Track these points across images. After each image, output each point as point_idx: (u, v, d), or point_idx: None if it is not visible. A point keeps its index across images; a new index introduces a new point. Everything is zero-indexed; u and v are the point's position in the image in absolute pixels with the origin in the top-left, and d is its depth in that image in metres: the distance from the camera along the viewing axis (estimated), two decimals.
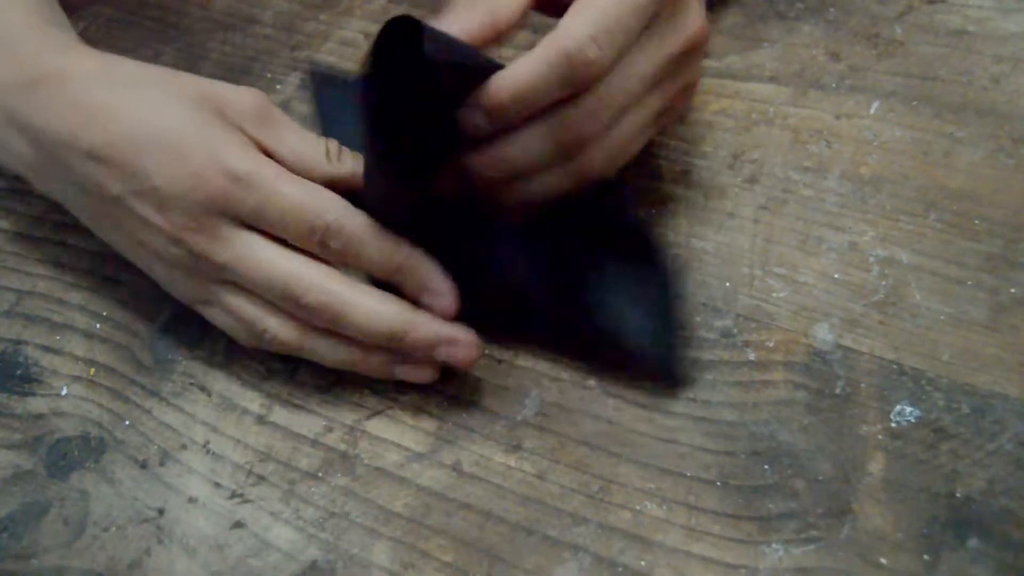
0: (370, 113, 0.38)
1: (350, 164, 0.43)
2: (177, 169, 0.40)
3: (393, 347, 0.41)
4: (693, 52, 0.41)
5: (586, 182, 0.41)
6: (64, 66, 0.43)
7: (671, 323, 0.42)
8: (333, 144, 0.43)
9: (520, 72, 0.38)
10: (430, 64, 0.36)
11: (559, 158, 0.40)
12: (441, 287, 0.41)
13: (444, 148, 0.41)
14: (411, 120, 0.39)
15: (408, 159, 0.40)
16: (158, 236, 0.41)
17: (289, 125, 0.43)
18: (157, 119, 0.41)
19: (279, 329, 0.42)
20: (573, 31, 0.37)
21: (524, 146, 0.40)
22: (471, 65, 0.39)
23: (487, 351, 0.44)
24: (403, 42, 0.37)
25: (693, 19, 0.41)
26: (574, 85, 0.38)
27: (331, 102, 0.52)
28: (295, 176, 0.41)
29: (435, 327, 0.41)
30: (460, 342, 0.41)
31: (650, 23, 0.39)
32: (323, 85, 0.54)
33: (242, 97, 0.42)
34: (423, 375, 0.42)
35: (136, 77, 0.43)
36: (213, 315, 0.43)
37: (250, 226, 0.41)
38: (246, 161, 0.40)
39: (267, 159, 0.41)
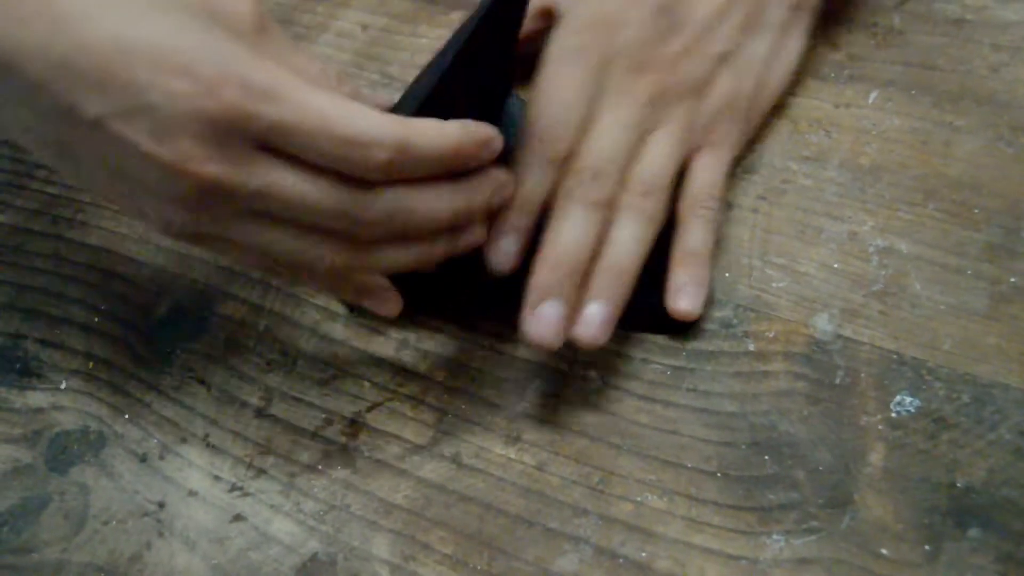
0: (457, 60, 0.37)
1: (347, 89, 0.40)
2: (177, 83, 0.32)
3: (460, 222, 0.39)
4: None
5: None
6: None
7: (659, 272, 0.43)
8: (330, 67, 0.39)
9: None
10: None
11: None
12: (491, 132, 0.38)
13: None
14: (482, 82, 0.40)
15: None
16: (153, 168, 0.34)
17: (288, 41, 0.37)
18: (147, 22, 0.33)
19: (335, 255, 0.37)
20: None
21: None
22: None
23: (487, 342, 0.44)
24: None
25: None
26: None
27: None
28: (319, 87, 0.35)
29: (490, 173, 0.39)
30: (507, 180, 0.40)
31: None
32: None
33: (240, 5, 0.35)
34: (481, 234, 0.40)
35: None
36: (228, 252, 0.38)
37: (268, 148, 0.34)
38: (264, 69, 0.33)
39: (283, 68, 0.34)
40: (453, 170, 0.37)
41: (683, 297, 0.42)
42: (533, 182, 0.42)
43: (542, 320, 0.39)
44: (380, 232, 0.37)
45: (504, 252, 0.42)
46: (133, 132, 0.33)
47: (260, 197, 0.34)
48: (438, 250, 0.39)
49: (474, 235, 0.40)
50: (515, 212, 0.42)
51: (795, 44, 0.48)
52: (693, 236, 0.44)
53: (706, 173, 0.45)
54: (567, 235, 0.41)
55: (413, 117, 0.36)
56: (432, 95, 0.37)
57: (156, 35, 0.33)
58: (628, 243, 0.42)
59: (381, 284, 0.41)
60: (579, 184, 0.42)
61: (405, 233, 0.38)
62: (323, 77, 0.38)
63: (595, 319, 0.40)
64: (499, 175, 0.40)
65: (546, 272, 0.40)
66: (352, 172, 0.35)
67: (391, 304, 0.41)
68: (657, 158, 0.43)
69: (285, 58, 0.36)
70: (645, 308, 0.42)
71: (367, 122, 0.34)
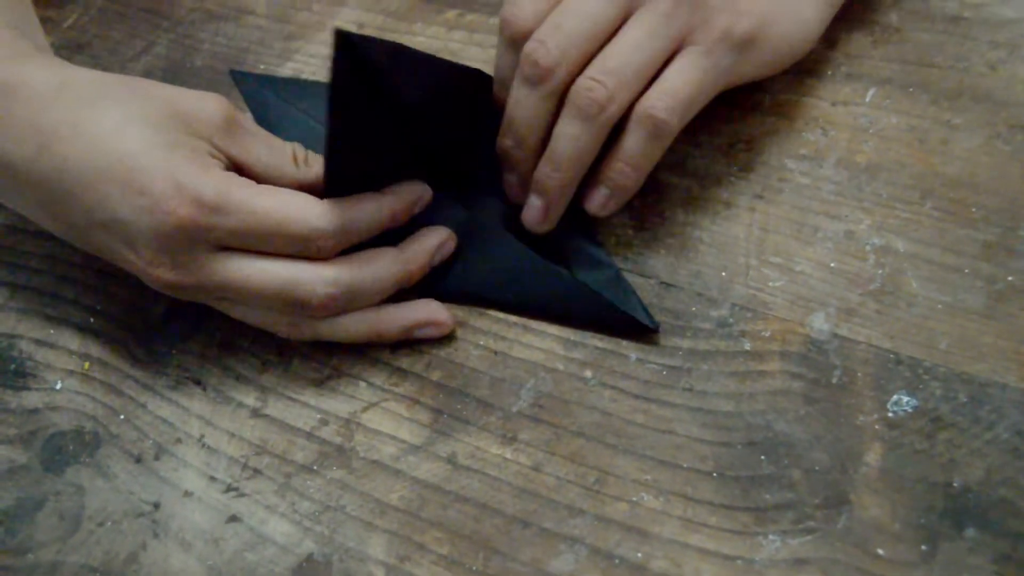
0: (334, 122, 0.39)
1: (316, 168, 0.42)
2: (140, 200, 0.38)
3: (403, 286, 0.43)
4: None
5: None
6: (20, 79, 0.40)
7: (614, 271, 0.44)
8: (299, 149, 0.43)
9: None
10: (386, 73, 0.39)
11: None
12: (419, 190, 0.44)
13: (404, 155, 0.43)
14: (372, 129, 0.41)
15: (369, 165, 0.42)
16: (131, 268, 0.41)
17: (255, 133, 0.42)
18: (117, 143, 0.39)
19: (291, 330, 0.42)
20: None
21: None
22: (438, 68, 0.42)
23: (482, 342, 0.44)
24: (357, 54, 0.38)
25: None
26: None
27: (260, 104, 0.53)
28: (265, 187, 0.40)
29: (426, 239, 0.44)
30: (446, 238, 0.44)
31: None
32: (249, 88, 0.54)
33: (207, 106, 0.41)
34: (439, 316, 0.44)
35: (96, 92, 0.40)
36: (220, 308, 0.43)
37: (226, 247, 0.40)
38: (213, 184, 0.39)
39: (234, 177, 0.40)
40: (394, 225, 0.43)
41: (594, 199, 0.44)
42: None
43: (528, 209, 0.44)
44: (328, 313, 0.42)
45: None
46: (110, 239, 0.40)
47: (220, 290, 0.40)
48: (387, 321, 0.44)
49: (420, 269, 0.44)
50: (510, 156, 0.44)
51: (811, 12, 0.47)
52: (631, 140, 0.42)
53: (674, 75, 0.41)
54: (517, 117, 0.43)
55: (348, 191, 0.41)
56: (331, 167, 0.41)
57: (124, 154, 0.39)
58: (565, 141, 0.41)
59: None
60: (527, 66, 0.41)
61: (357, 305, 0.42)
62: (281, 164, 0.42)
63: (531, 213, 0.44)
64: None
65: (502, 145, 0.44)
66: (306, 255, 0.40)
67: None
68: (624, 46, 0.41)
69: (248, 149, 0.41)
70: (612, 311, 0.43)
71: (312, 217, 0.40)
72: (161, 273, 0.40)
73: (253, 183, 0.40)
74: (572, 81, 0.41)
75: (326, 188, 0.41)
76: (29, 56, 0.42)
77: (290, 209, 0.39)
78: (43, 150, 0.39)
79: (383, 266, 0.42)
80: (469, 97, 0.45)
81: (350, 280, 0.41)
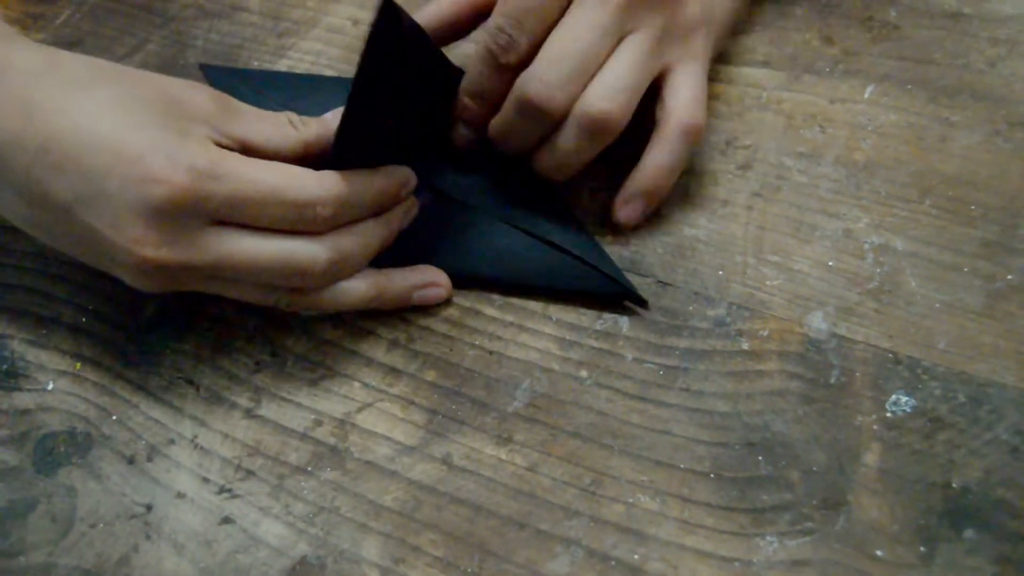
0: (361, 86, 0.39)
1: (314, 127, 0.42)
2: (130, 171, 0.36)
3: (386, 246, 0.43)
4: None
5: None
6: (7, 59, 0.39)
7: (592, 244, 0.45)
8: (292, 116, 0.42)
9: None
10: (414, 47, 0.40)
11: None
12: (406, 173, 0.44)
13: (399, 134, 0.44)
14: (386, 103, 0.41)
15: (377, 134, 0.42)
16: (115, 249, 0.38)
17: (249, 110, 0.42)
18: (108, 117, 0.37)
19: (291, 300, 0.42)
20: None
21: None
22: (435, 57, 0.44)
23: (477, 342, 0.43)
24: (393, 23, 0.38)
25: None
26: None
27: (231, 95, 0.53)
28: (260, 160, 0.39)
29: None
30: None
31: None
32: (220, 81, 0.54)
33: (198, 94, 0.40)
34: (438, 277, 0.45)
35: (85, 75, 0.39)
36: (207, 292, 0.42)
37: (218, 222, 0.38)
38: (207, 154, 0.38)
39: (227, 151, 0.39)
40: (380, 207, 0.43)
41: (627, 208, 0.45)
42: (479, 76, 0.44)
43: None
44: (328, 280, 0.41)
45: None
46: (95, 218, 0.37)
47: (215, 268, 0.39)
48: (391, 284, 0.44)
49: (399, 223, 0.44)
50: (468, 110, 0.46)
51: None
52: (666, 148, 0.43)
53: (686, 88, 0.43)
54: (502, 124, 0.44)
55: (340, 152, 0.41)
56: (346, 126, 0.40)
57: (116, 129, 0.37)
58: (566, 155, 0.43)
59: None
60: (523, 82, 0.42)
61: (349, 272, 0.42)
62: (283, 134, 0.42)
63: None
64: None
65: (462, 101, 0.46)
66: (301, 228, 0.39)
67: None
68: (624, 63, 0.42)
69: (247, 126, 0.41)
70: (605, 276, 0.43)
71: (311, 186, 0.39)
72: (148, 252, 0.37)
73: (246, 157, 0.39)
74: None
75: (334, 154, 0.41)
76: (15, 37, 0.41)
77: (286, 177, 0.39)
78: (28, 124, 0.38)
79: (367, 228, 0.42)
80: (449, 90, 0.46)
81: (344, 245, 0.41)
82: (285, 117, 0.42)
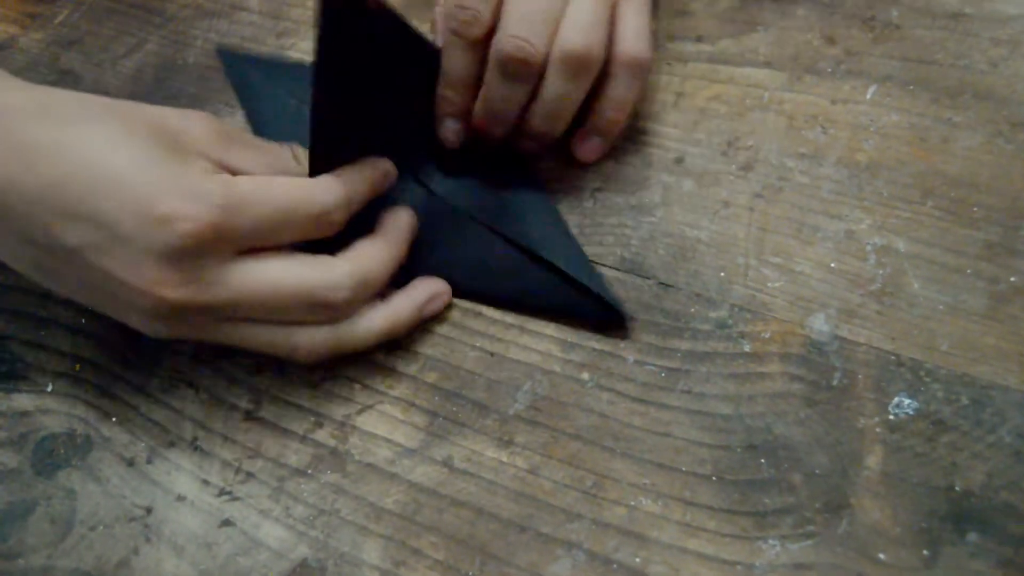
0: (319, 91, 0.39)
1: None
2: (146, 211, 0.35)
3: (397, 267, 0.43)
4: None
5: None
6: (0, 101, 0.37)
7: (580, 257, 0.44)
8: (297, 149, 0.42)
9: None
10: (382, 30, 0.41)
11: None
12: (386, 165, 0.44)
13: (376, 128, 0.44)
14: (354, 98, 0.41)
15: (350, 133, 0.42)
16: (130, 292, 0.37)
17: (248, 140, 0.41)
18: (111, 156, 0.36)
19: (313, 339, 0.40)
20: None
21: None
22: (409, 40, 0.43)
23: (478, 344, 0.43)
24: (343, 20, 0.38)
25: None
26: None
27: (244, 84, 0.54)
28: (261, 178, 0.39)
29: (399, 217, 0.44)
30: (413, 217, 0.45)
31: None
32: (234, 67, 0.55)
33: (195, 123, 0.39)
34: (438, 286, 0.44)
35: (78, 111, 0.38)
36: (222, 340, 0.40)
37: (239, 252, 0.38)
38: (219, 187, 0.37)
39: (230, 176, 0.38)
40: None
41: (584, 146, 0.47)
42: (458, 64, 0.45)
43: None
44: (348, 310, 0.41)
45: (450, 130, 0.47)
46: (108, 262, 0.36)
47: (236, 303, 0.38)
48: (403, 314, 0.43)
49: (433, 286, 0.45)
50: (449, 102, 0.46)
51: None
52: (615, 83, 0.45)
53: (632, 22, 0.44)
54: (487, 98, 0.45)
55: (317, 147, 0.41)
56: (317, 118, 0.40)
57: (120, 168, 0.36)
58: (555, 102, 0.44)
59: None
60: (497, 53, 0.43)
61: (371, 290, 0.41)
62: (280, 160, 0.41)
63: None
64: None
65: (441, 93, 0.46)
66: (315, 236, 0.39)
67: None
68: (586, 1, 0.43)
69: (248, 160, 0.40)
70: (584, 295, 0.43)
71: (318, 193, 0.39)
72: (168, 293, 0.36)
73: (251, 177, 0.39)
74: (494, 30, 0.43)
75: (312, 160, 0.41)
76: (5, 78, 0.40)
77: (297, 191, 0.39)
78: (28, 169, 0.36)
79: (380, 249, 0.42)
80: (433, 73, 0.46)
81: (362, 270, 0.40)
82: (289, 150, 0.42)
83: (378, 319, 0.42)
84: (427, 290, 0.44)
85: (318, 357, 0.41)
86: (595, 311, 0.42)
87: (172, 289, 0.36)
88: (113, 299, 0.38)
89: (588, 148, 0.47)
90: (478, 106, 0.45)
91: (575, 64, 0.42)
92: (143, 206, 0.35)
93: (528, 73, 0.43)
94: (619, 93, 0.45)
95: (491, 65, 0.43)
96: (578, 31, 0.42)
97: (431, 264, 0.45)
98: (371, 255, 0.41)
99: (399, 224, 0.44)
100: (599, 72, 0.44)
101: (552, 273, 0.43)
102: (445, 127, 0.47)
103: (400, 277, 0.43)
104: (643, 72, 0.45)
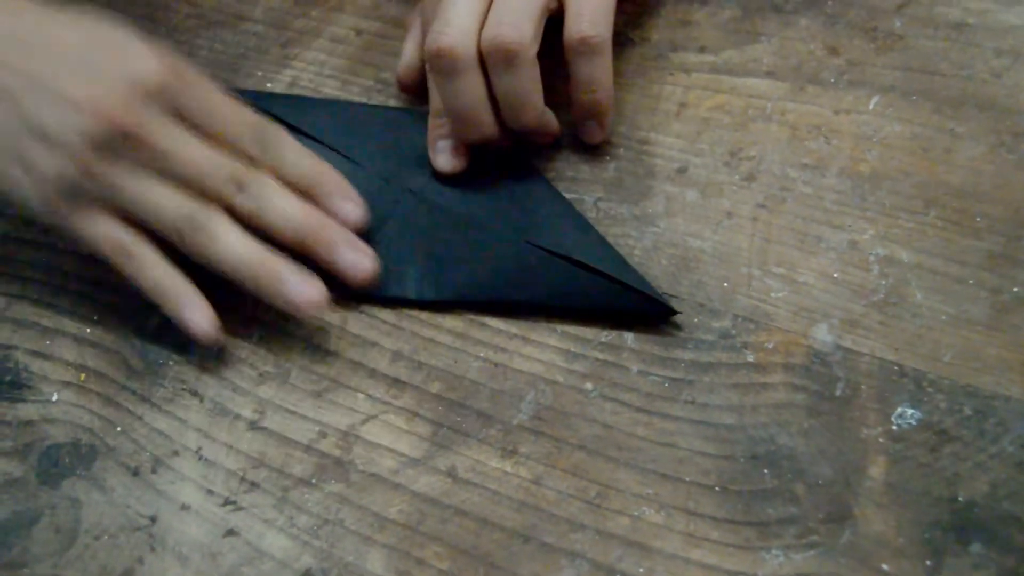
0: None
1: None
2: (120, 48, 0.41)
3: (299, 246, 0.43)
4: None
5: None
6: None
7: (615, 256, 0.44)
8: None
9: None
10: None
11: None
12: (352, 194, 0.45)
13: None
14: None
15: None
16: (65, 115, 0.40)
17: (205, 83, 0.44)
18: (73, 23, 0.42)
19: (206, 219, 0.42)
20: None
21: None
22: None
23: (482, 354, 0.43)
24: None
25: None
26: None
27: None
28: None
29: (343, 231, 0.44)
30: (363, 249, 0.44)
31: None
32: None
33: (148, 63, 0.42)
34: (311, 290, 0.42)
35: (43, 11, 0.43)
36: (98, 228, 0.42)
37: (180, 118, 0.42)
38: (182, 63, 0.42)
39: None
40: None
41: (584, 130, 0.48)
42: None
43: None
44: (242, 209, 0.43)
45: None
46: (61, 84, 0.40)
47: (164, 156, 0.41)
48: (266, 267, 0.43)
49: (306, 288, 0.44)
50: (437, 128, 0.48)
51: None
52: (576, 67, 0.45)
53: (579, 4, 0.44)
54: (444, 102, 0.45)
55: None
56: None
57: (83, 27, 0.42)
58: (509, 95, 0.44)
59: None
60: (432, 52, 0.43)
61: (258, 222, 0.43)
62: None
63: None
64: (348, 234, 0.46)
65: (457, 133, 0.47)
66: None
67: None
68: (507, 5, 0.43)
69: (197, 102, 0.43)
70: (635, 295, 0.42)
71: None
72: (118, 113, 0.40)
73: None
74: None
75: None
76: None
77: (241, 108, 0.44)
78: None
79: (303, 205, 0.44)
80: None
81: (275, 189, 0.43)
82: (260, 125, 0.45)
83: (249, 246, 0.43)
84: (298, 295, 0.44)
85: (201, 251, 0.43)
86: (640, 306, 0.42)
87: (123, 111, 0.40)
88: (31, 128, 0.40)
89: (587, 132, 0.48)
90: (447, 113, 0.46)
91: (500, 55, 0.42)
92: (116, 47, 0.41)
93: (453, 67, 0.43)
94: (583, 75, 0.45)
95: (425, 63, 0.45)
96: (502, 21, 0.42)
97: (464, 281, 0.44)
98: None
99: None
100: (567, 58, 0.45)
101: (594, 274, 0.43)
102: (436, 150, 0.47)
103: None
104: (597, 49, 0.44)
